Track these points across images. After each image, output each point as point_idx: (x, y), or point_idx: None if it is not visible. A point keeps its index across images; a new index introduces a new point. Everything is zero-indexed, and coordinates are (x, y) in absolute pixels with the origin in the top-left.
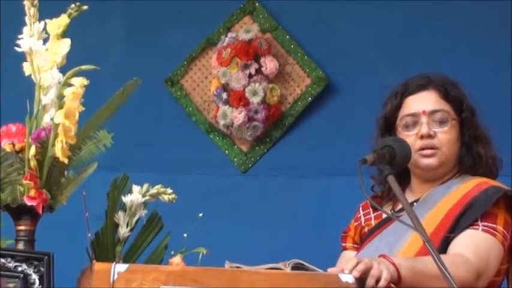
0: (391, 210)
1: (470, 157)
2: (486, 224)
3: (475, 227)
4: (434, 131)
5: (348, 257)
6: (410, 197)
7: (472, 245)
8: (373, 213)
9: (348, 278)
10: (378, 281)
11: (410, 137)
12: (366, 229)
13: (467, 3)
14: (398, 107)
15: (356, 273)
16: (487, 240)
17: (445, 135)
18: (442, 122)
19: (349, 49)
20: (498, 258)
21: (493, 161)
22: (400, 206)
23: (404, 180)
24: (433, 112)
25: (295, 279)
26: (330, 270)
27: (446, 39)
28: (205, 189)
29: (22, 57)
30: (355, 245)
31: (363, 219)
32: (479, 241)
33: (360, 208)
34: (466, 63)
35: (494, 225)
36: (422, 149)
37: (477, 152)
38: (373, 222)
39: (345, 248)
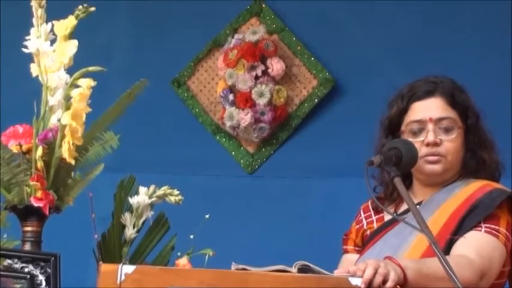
0: (394, 213)
1: (475, 161)
2: (489, 225)
3: (478, 228)
4: (440, 139)
5: (350, 260)
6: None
7: (475, 246)
8: (375, 215)
9: (358, 281)
10: (384, 282)
11: (416, 144)
12: (368, 232)
13: (468, 3)
14: (404, 111)
15: (363, 286)
16: (490, 241)
17: (451, 144)
18: (448, 130)
19: (356, 50)
20: (501, 259)
21: (496, 166)
22: (403, 209)
23: (405, 183)
24: (440, 120)
25: (304, 281)
26: (337, 272)
27: (454, 40)
28: (212, 191)
29: (28, 58)
30: (357, 248)
31: (364, 222)
32: (482, 242)
33: (361, 211)
34: (468, 63)
35: (497, 227)
36: (428, 156)
37: (481, 157)
38: (375, 225)
39: (346, 251)
